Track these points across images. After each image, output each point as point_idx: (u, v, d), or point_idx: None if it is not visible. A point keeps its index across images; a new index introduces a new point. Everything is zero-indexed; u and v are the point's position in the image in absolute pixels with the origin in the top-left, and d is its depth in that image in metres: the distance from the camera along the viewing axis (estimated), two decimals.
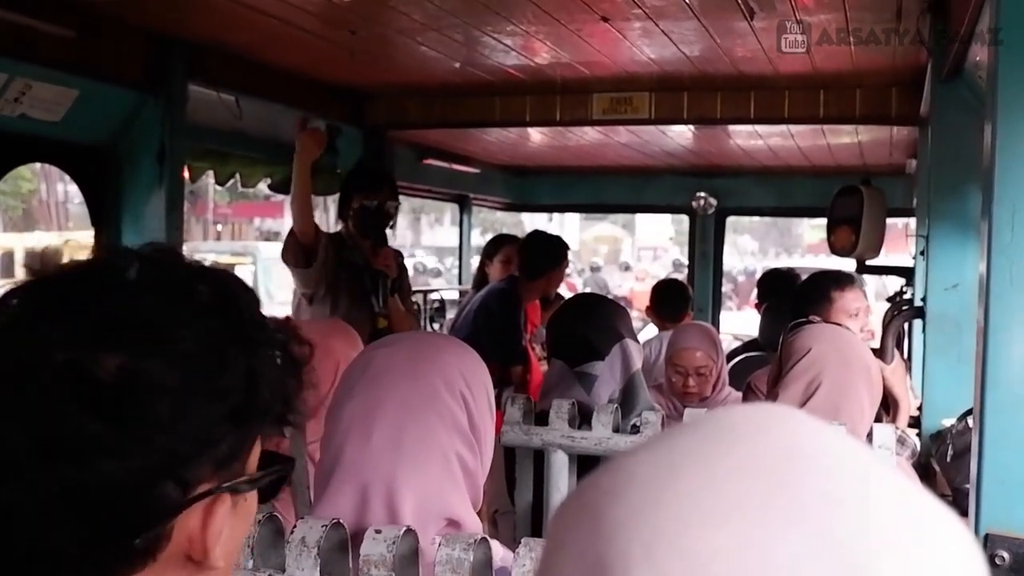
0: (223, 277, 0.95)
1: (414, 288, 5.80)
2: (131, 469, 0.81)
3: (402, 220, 5.08)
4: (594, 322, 2.80)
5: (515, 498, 2.50)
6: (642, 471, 0.51)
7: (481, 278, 5.62)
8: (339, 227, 4.49)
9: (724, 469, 0.49)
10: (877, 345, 3.58)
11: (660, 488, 0.49)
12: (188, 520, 0.86)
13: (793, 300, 3.74)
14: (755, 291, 6.27)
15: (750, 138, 5.64)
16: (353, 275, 4.26)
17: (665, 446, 0.53)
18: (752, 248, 36.76)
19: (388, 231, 4.50)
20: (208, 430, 0.85)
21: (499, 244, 5.71)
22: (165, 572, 0.86)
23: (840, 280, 3.68)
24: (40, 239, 19.33)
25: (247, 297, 0.95)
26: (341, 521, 1.41)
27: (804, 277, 4.44)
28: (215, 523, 0.87)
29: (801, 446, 0.50)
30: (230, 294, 0.92)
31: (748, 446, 0.50)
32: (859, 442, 0.54)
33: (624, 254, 36.03)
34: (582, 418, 2.39)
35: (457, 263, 7.67)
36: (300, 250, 4.12)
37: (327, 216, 4.92)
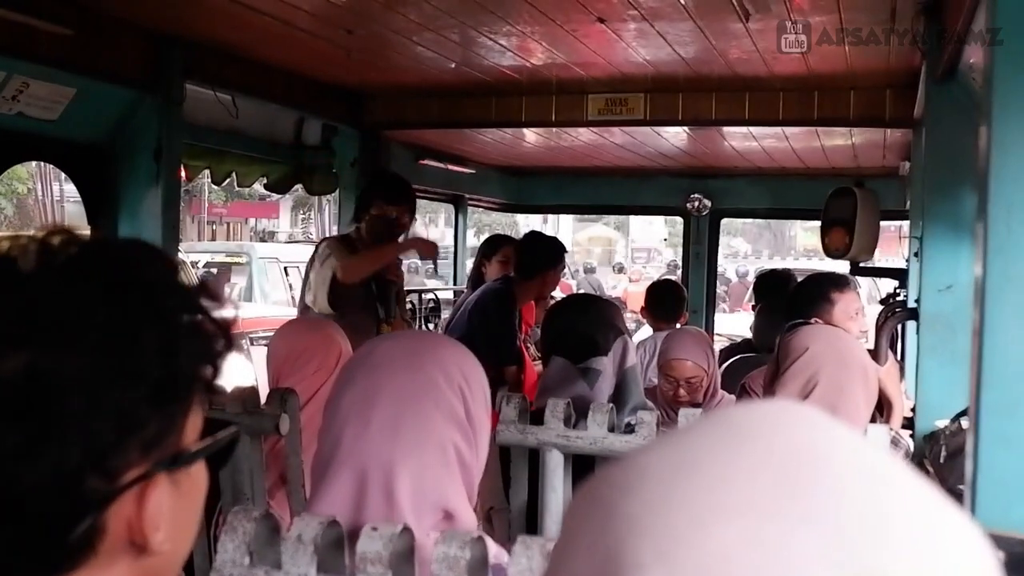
0: (126, 250, 0.91)
1: (409, 288, 5.81)
2: (51, 471, 0.78)
3: None
4: (594, 318, 2.81)
5: (510, 497, 2.50)
6: (656, 467, 0.51)
7: (477, 278, 5.61)
8: (351, 229, 4.49)
9: (738, 467, 0.49)
10: (871, 346, 3.59)
11: (674, 484, 0.49)
12: (124, 507, 0.83)
13: (790, 302, 3.74)
14: (749, 292, 6.28)
15: (744, 139, 5.65)
16: (367, 282, 4.26)
17: (680, 442, 0.52)
18: (745, 250, 36.81)
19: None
20: (129, 416, 0.82)
21: (496, 244, 5.71)
22: (111, 563, 0.84)
23: (839, 282, 3.69)
24: None
25: (155, 266, 0.90)
26: (337, 511, 1.41)
27: (800, 278, 4.44)
28: (150, 508, 0.84)
29: (816, 445, 0.50)
30: (135, 268, 0.88)
31: (763, 444, 0.50)
32: (878, 444, 0.54)
33: (618, 255, 36.09)
34: (582, 413, 2.40)
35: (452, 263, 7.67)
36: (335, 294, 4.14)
37: (322, 216, 4.92)
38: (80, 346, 0.80)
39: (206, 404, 0.92)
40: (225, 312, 0.93)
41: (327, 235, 4.48)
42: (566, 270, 11.16)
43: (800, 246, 36.04)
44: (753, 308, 5.79)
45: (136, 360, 0.82)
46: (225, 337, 0.92)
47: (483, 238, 6.13)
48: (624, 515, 0.49)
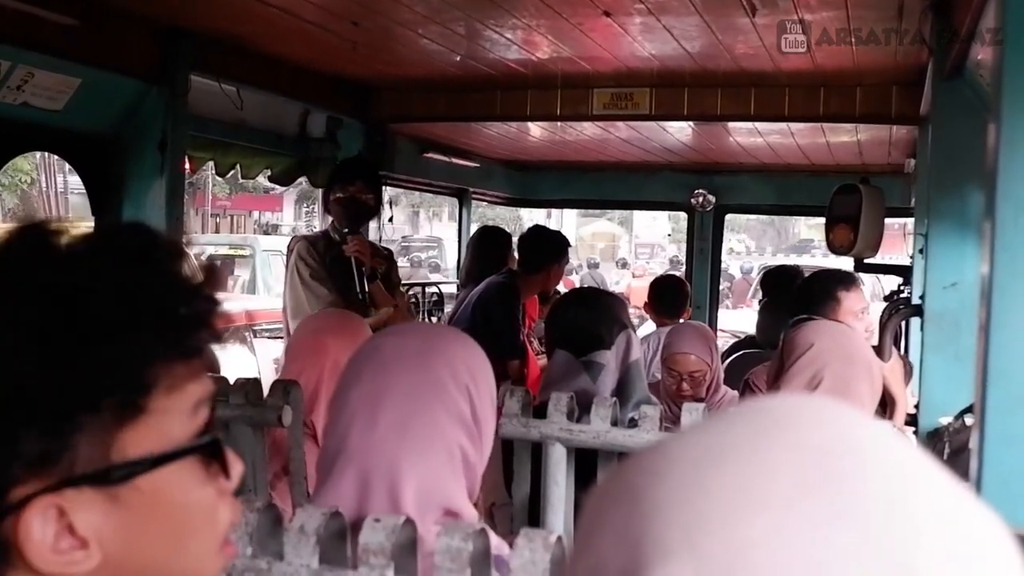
0: (30, 250, 0.82)
1: (413, 281, 5.79)
2: None
3: (400, 214, 5.05)
4: (598, 312, 2.81)
5: (512, 490, 2.50)
6: (687, 454, 0.51)
7: (468, 273, 5.57)
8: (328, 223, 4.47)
9: (770, 459, 0.49)
10: (875, 343, 3.58)
11: (704, 473, 0.49)
12: (20, 525, 0.79)
13: (795, 299, 3.73)
14: (752, 289, 6.28)
15: (750, 135, 5.64)
16: (342, 270, 4.23)
17: (711, 431, 0.52)
18: (749, 246, 36.77)
19: (387, 224, 4.46)
20: None
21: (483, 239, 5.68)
22: None
23: (845, 280, 3.67)
24: None
25: (60, 267, 0.81)
26: (340, 510, 1.41)
27: (806, 275, 4.43)
28: (33, 528, 0.79)
29: (849, 441, 0.50)
30: (27, 272, 0.80)
31: (796, 437, 0.50)
32: (908, 439, 0.54)
33: (621, 251, 36.08)
34: (585, 407, 2.40)
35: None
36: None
37: None
38: None
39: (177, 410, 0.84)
40: (201, 306, 0.85)
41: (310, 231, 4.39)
42: (569, 265, 11.18)
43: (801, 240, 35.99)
44: (759, 303, 5.78)
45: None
46: (167, 336, 0.83)
47: None
48: (653, 501, 0.49)
